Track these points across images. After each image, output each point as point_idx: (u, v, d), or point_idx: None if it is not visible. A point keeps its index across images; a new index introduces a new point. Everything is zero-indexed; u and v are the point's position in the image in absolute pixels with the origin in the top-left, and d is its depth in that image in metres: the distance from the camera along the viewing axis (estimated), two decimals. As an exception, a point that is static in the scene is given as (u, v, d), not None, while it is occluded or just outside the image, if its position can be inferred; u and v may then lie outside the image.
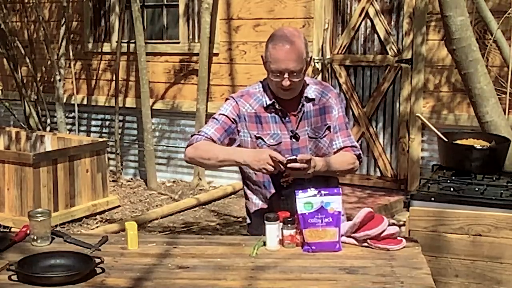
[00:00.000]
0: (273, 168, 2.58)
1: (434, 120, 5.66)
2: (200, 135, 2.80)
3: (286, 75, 2.70)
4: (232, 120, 2.82)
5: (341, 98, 2.98)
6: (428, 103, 5.83)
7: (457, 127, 5.49)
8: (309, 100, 2.84)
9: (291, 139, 2.80)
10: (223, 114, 2.84)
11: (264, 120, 2.80)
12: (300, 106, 2.81)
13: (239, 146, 2.83)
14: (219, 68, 6.71)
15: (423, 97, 5.84)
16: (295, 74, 2.70)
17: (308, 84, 2.87)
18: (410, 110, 5.92)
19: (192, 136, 2.85)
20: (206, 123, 6.87)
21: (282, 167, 2.59)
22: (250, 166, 2.65)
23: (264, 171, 2.60)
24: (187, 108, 6.88)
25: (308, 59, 2.78)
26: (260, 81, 2.90)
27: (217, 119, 2.84)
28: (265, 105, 2.81)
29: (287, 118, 2.80)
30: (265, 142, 2.78)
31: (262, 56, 2.84)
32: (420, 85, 5.84)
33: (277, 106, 2.80)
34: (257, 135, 2.79)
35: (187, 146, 2.82)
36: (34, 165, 5.35)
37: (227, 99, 2.93)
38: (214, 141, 2.77)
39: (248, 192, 2.94)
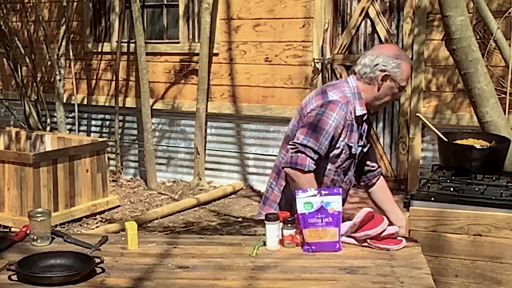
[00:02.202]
0: None
1: (436, 120, 5.66)
2: (310, 156, 2.69)
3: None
4: (340, 131, 2.77)
5: None
6: (429, 103, 5.83)
7: (458, 127, 5.49)
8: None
9: (362, 149, 2.94)
10: (335, 127, 2.73)
11: (354, 129, 2.84)
12: (368, 118, 2.93)
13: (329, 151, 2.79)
14: (219, 68, 6.71)
15: (424, 97, 5.84)
16: None
17: None
18: (411, 110, 5.92)
19: (296, 152, 2.71)
20: (206, 123, 6.93)
21: None
22: None
23: None
24: (187, 108, 6.89)
25: None
26: (346, 85, 2.85)
27: (328, 131, 2.72)
28: (357, 114, 2.83)
29: (362, 131, 2.90)
30: (351, 151, 2.85)
31: (386, 74, 2.77)
32: (421, 85, 5.84)
33: (367, 118, 2.89)
34: (348, 144, 2.82)
35: (296, 167, 2.69)
36: (34, 165, 5.35)
37: (331, 102, 2.75)
38: (321, 155, 2.72)
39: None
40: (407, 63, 2.84)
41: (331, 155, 2.80)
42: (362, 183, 3.14)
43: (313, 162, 2.71)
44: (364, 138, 2.94)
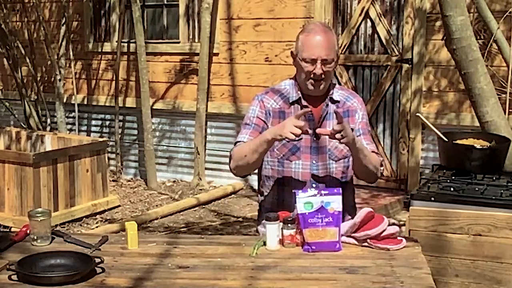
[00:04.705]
0: (299, 131, 2.56)
1: (438, 120, 5.66)
2: (236, 146, 2.84)
3: (318, 63, 2.72)
4: (263, 119, 2.84)
5: (364, 106, 2.99)
6: (429, 103, 5.83)
7: (458, 127, 5.49)
8: (334, 101, 2.86)
9: (311, 137, 2.81)
10: (253, 116, 2.86)
11: (288, 116, 2.81)
12: (324, 106, 2.83)
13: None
14: (219, 68, 6.71)
15: (424, 97, 5.84)
16: (327, 63, 2.73)
17: (334, 86, 2.91)
18: (411, 110, 5.92)
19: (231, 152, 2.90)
20: (206, 123, 6.93)
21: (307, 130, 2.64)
22: (279, 138, 2.62)
23: (291, 136, 2.57)
24: (187, 108, 6.89)
25: (338, 53, 2.83)
26: (290, 78, 2.92)
27: (249, 124, 2.86)
28: (290, 101, 2.82)
29: (310, 116, 2.81)
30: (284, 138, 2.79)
31: (291, 52, 2.85)
32: (421, 85, 5.83)
33: (302, 102, 2.81)
34: None
35: (229, 161, 2.86)
36: (34, 165, 5.35)
37: (252, 99, 2.95)
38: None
39: (263, 189, 2.95)
40: (309, 32, 2.77)
41: None
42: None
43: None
44: (317, 125, 2.81)
